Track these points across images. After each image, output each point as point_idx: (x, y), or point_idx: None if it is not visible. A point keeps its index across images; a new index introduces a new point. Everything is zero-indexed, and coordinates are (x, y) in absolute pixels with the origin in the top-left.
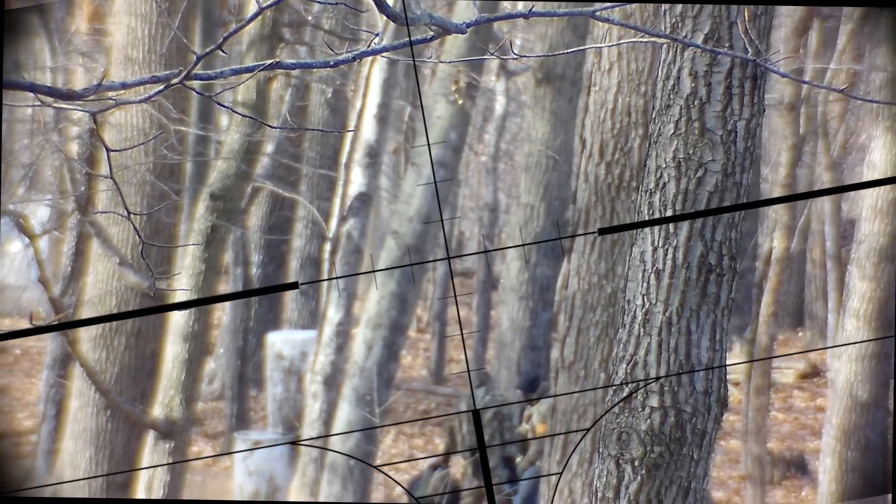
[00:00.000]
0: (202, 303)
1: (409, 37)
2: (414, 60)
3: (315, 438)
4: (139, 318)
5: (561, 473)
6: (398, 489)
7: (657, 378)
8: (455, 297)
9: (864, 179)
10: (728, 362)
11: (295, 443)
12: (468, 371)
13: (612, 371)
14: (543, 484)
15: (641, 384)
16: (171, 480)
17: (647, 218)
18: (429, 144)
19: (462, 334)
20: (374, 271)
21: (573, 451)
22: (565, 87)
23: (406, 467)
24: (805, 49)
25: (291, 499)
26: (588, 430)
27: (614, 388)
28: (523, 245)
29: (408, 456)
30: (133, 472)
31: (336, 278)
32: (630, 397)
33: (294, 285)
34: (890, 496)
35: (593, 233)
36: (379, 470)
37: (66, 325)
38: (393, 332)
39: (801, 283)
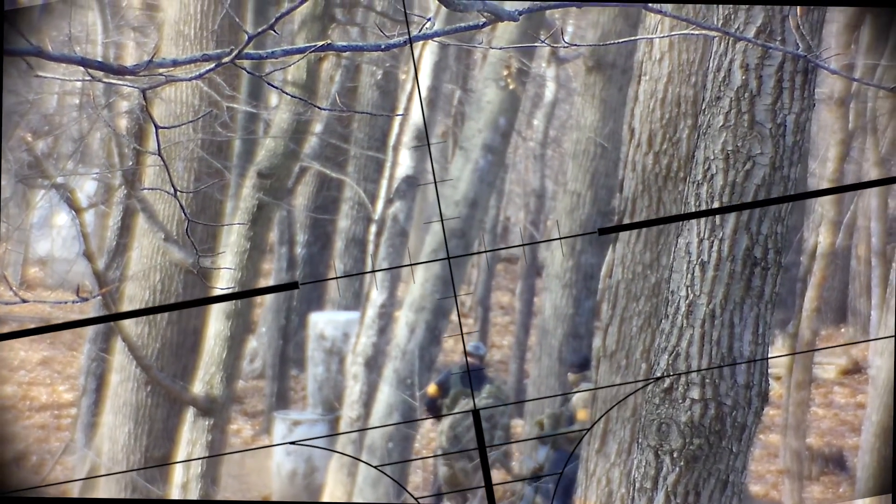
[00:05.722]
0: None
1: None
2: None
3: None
4: (183, 293)
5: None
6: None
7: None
8: (455, 296)
9: None
10: (770, 356)
11: (293, 443)
12: (468, 371)
13: (653, 361)
14: (581, 471)
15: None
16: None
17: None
18: (428, 146)
19: (462, 334)
20: (373, 271)
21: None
22: (616, 75)
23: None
24: (857, 45)
25: (330, 478)
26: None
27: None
28: (523, 245)
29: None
30: (172, 448)
31: (336, 278)
32: (671, 389)
33: (294, 285)
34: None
35: (593, 233)
36: (380, 470)
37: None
38: (436, 316)
39: (846, 278)
